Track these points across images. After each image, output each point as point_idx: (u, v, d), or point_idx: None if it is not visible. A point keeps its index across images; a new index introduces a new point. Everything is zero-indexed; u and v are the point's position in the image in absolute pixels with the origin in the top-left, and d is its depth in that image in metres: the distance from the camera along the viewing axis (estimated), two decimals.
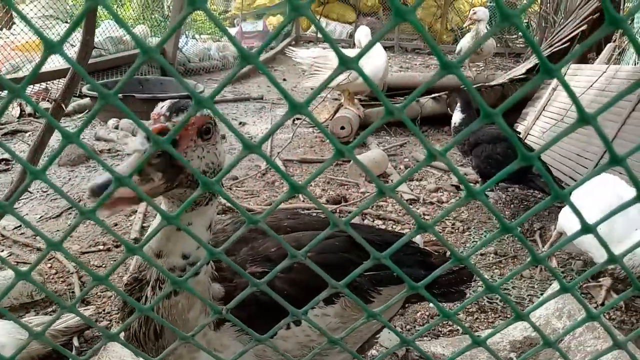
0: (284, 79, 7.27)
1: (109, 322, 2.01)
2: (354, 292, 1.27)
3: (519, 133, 4.23)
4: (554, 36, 5.06)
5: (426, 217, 3.07)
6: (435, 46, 0.42)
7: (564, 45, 4.60)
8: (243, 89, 6.72)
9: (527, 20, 9.19)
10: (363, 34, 4.61)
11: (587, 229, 0.49)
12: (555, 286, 2.09)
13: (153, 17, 7.84)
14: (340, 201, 3.20)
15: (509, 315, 2.11)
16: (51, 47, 0.43)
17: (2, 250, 2.50)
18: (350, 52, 4.72)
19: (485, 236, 2.88)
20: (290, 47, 5.75)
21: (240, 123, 5.00)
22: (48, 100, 4.98)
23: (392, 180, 3.62)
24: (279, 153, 4.01)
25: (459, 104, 3.26)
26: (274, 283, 1.18)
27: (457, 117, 3.28)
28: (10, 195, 0.78)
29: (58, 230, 2.76)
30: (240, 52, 0.42)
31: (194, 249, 1.02)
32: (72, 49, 5.80)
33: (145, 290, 1.10)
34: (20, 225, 2.81)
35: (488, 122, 0.44)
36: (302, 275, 1.21)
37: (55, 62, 5.40)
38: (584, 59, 4.65)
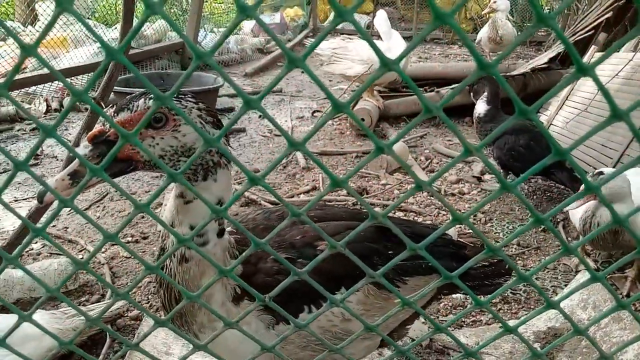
0: (302, 72, 7.27)
1: (139, 311, 2.07)
2: (379, 283, 1.30)
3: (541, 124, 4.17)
4: (577, 24, 4.96)
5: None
6: (473, 47, 0.44)
7: (587, 34, 4.51)
8: (261, 82, 6.75)
9: (549, 8, 9.00)
10: (382, 18, 4.53)
11: (618, 220, 0.50)
12: (580, 277, 2.08)
13: (172, 11, 7.91)
14: (361, 193, 3.22)
15: (532, 307, 2.11)
16: (110, 54, 0.46)
17: (36, 242, 2.60)
18: (368, 44, 4.70)
19: (507, 227, 2.87)
20: (309, 39, 5.75)
21: (259, 116, 5.04)
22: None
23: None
24: None
25: (485, 94, 3.22)
26: (297, 269, 1.21)
27: (481, 107, 3.25)
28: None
29: (87, 223, 2.84)
30: (287, 56, 0.44)
31: (201, 221, 1.08)
32: (95, 45, 5.91)
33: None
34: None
35: (522, 119, 0.46)
36: (326, 264, 1.24)
37: (78, 58, 5.51)
38: (609, 47, 4.56)
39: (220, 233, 1.15)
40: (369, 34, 0.46)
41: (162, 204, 2.98)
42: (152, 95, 0.99)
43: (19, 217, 0.59)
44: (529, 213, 3.02)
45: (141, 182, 3.48)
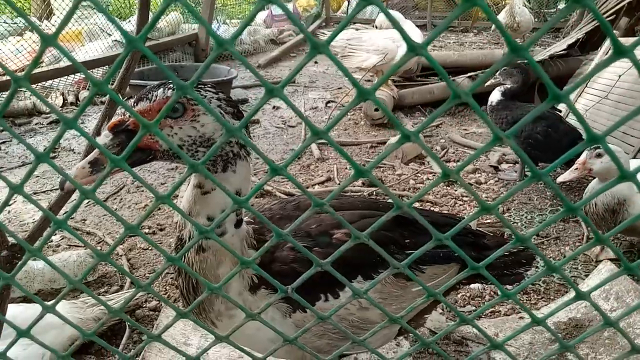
0: (316, 62, 7.24)
1: (157, 302, 2.09)
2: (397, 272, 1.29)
3: (560, 111, 4.10)
4: (598, 8, 4.84)
5: (464, 198, 3.04)
6: (504, 29, 0.43)
7: (609, 19, 4.40)
8: (275, 73, 6.74)
9: None
10: (393, 12, 4.52)
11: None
12: (602, 267, 2.05)
13: (189, 3, 7.91)
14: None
15: (552, 297, 2.08)
16: (131, 42, 0.45)
17: (55, 234, 2.63)
18: (383, 33, 4.66)
19: (526, 217, 2.83)
20: (322, 30, 5.71)
21: (273, 107, 5.03)
22: (89, 89, 5.13)
23: (428, 162, 3.59)
24: None
25: (507, 85, 3.15)
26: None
27: (495, 97, 3.20)
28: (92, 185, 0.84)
29: (105, 215, 2.87)
30: (310, 41, 0.43)
31: (218, 212, 1.09)
32: (110, 38, 5.94)
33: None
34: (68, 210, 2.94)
35: (556, 103, 0.44)
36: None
37: (93, 52, 5.55)
38: (631, 32, 4.44)
39: (238, 224, 1.16)
40: (393, 17, 0.44)
41: (177, 195, 3.00)
42: (171, 85, 0.98)
43: (41, 208, 0.59)
44: (548, 203, 2.98)
45: (157, 174, 3.51)
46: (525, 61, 0.51)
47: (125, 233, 0.57)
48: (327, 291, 1.23)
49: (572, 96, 4.23)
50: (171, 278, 2.26)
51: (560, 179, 2.24)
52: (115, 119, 0.95)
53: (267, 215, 1.38)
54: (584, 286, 2.00)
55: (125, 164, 0.50)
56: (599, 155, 2.06)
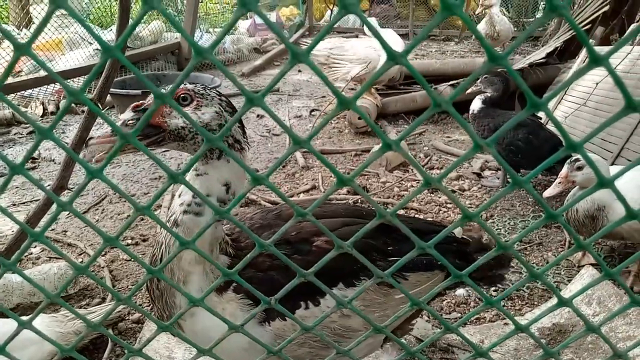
0: (299, 70, 7.26)
1: (140, 314, 2.06)
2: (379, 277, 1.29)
3: (540, 118, 4.17)
4: (574, 18, 4.95)
5: (448, 205, 3.06)
6: (483, 38, 0.43)
7: (585, 28, 4.50)
8: (258, 81, 6.73)
9: (544, 1, 9.01)
10: (372, 21, 4.57)
11: (632, 215, 0.49)
12: (584, 273, 2.07)
13: (167, 12, 7.87)
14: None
15: (535, 303, 2.10)
16: (107, 50, 0.44)
17: (35, 246, 2.58)
18: (364, 42, 4.69)
19: (509, 224, 2.86)
20: (305, 39, 5.73)
21: (258, 116, 5.02)
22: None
23: (412, 170, 3.61)
24: None
25: (487, 94, 3.20)
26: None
27: (476, 105, 3.24)
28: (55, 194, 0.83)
29: (86, 226, 2.82)
30: (291, 50, 0.43)
31: (205, 193, 1.15)
32: (91, 47, 5.88)
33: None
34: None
35: (535, 111, 0.45)
36: (318, 259, 1.22)
37: (74, 61, 5.48)
38: (606, 41, 4.55)
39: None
40: (374, 27, 0.45)
41: (161, 205, 2.97)
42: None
43: (17, 222, 0.58)
44: (531, 209, 3.02)
45: (140, 184, 3.46)
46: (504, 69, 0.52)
47: (104, 245, 0.56)
48: (307, 299, 1.22)
49: (552, 104, 4.31)
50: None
51: (545, 194, 2.28)
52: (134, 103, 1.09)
53: (247, 225, 1.37)
54: (567, 291, 2.02)
55: (135, 140, 0.48)
56: (579, 168, 2.12)
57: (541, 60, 4.63)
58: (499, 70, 3.42)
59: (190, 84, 1.13)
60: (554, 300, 2.03)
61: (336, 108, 0.45)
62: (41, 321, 1.71)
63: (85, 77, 5.21)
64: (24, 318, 0.61)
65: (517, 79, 0.46)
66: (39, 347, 1.66)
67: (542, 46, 5.88)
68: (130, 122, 1.07)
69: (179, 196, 1.18)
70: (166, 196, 3.02)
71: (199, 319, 1.17)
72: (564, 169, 2.16)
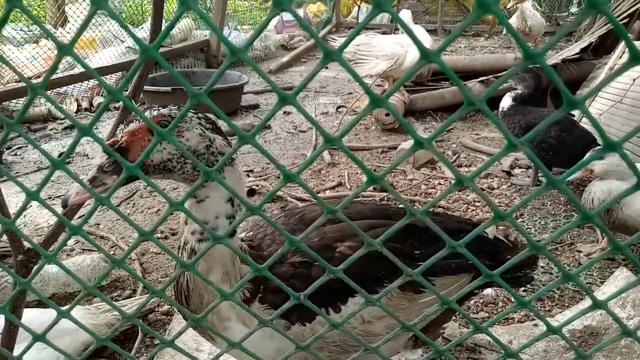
0: (327, 67, 7.26)
1: (170, 306, 2.10)
2: (404, 284, 1.27)
3: (573, 116, 4.06)
4: (612, 11, 4.80)
5: (476, 203, 3.01)
6: (519, 37, 0.42)
7: (622, 22, 4.35)
8: (285, 78, 6.76)
9: None
10: (406, 18, 4.54)
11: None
12: (617, 274, 2.02)
13: (203, 13, 7.98)
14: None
15: (566, 304, 2.05)
16: (146, 51, 0.46)
17: (70, 238, 2.66)
18: (391, 38, 4.66)
19: (539, 223, 2.80)
20: (332, 36, 5.72)
21: (284, 112, 5.05)
22: (102, 95, 5.20)
23: (440, 167, 3.57)
24: None
25: (517, 90, 3.13)
26: (313, 273, 1.22)
27: (506, 102, 3.17)
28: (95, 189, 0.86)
29: (118, 219, 2.90)
30: (323, 49, 0.43)
31: (213, 218, 1.13)
32: (123, 44, 6.01)
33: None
34: (83, 215, 2.97)
35: (571, 110, 0.44)
36: (340, 264, 1.22)
37: (107, 58, 5.62)
38: None
39: (232, 234, 1.17)
40: (407, 25, 0.44)
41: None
42: (156, 108, 1.06)
43: (57, 215, 0.60)
44: (562, 208, 2.95)
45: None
46: (539, 66, 0.51)
47: (139, 239, 0.57)
48: (329, 305, 1.22)
49: (586, 101, 4.19)
50: None
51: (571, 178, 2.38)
52: (109, 140, 1.03)
53: (269, 231, 1.36)
54: (600, 293, 1.97)
55: (109, 203, 0.50)
56: (599, 158, 2.14)
57: (575, 56, 4.50)
58: (530, 66, 3.34)
59: (163, 108, 1.07)
60: (585, 302, 1.98)
61: (368, 106, 0.45)
62: (75, 313, 1.76)
63: (118, 74, 5.34)
64: (63, 308, 0.63)
65: (553, 76, 0.45)
66: (73, 337, 1.71)
67: (576, 41, 5.72)
68: (107, 166, 1.01)
69: (186, 222, 1.17)
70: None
71: (232, 333, 1.19)
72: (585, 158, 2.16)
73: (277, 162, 0.52)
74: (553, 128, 2.94)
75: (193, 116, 1.09)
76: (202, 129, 1.09)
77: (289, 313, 1.17)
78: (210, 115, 1.13)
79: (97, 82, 5.38)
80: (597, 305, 0.58)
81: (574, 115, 4.04)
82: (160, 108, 1.06)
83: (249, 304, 1.20)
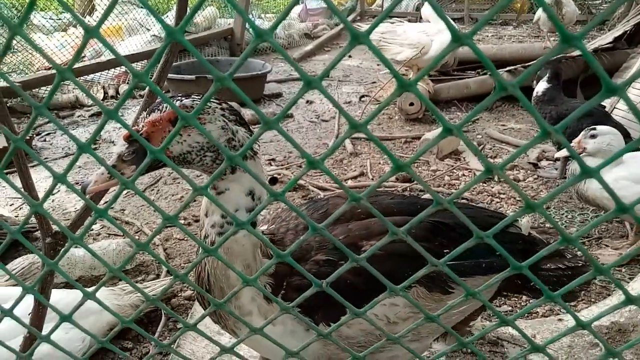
0: (350, 56, 7.20)
1: (192, 291, 2.14)
2: (430, 282, 1.24)
3: (604, 107, 3.94)
4: None
5: (501, 195, 2.96)
6: (556, 18, 0.40)
7: None
8: (309, 67, 6.74)
9: None
10: (432, 5, 4.45)
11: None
12: None
13: None
14: (410, 179, 3.16)
15: (593, 300, 2.01)
16: (171, 34, 0.45)
17: (96, 223, 2.72)
18: (417, 27, 4.58)
19: (566, 216, 2.74)
20: (356, 24, 5.66)
21: (307, 101, 5.04)
22: (128, 83, 5.27)
23: (464, 158, 3.52)
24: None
25: (547, 75, 3.04)
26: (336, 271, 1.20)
27: (541, 87, 3.07)
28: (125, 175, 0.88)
29: (143, 205, 2.95)
30: (351, 31, 0.42)
31: (233, 210, 1.12)
32: (148, 33, 6.07)
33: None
34: (108, 200, 3.03)
35: (610, 97, 0.42)
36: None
37: (133, 46, 5.69)
38: None
39: (252, 225, 1.16)
40: (440, 8, 0.43)
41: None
42: (179, 98, 1.04)
43: (83, 198, 0.61)
44: None
45: None
46: (559, 57, 0.49)
47: (163, 223, 0.58)
48: (353, 304, 1.21)
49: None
50: None
51: (557, 154, 2.67)
52: (125, 132, 1.02)
53: (291, 225, 1.35)
54: (629, 289, 1.92)
55: (134, 186, 0.50)
56: (592, 137, 2.32)
57: (608, 45, 4.35)
58: (553, 59, 3.25)
59: (186, 99, 1.05)
60: (613, 298, 1.93)
61: (396, 91, 0.44)
62: (100, 293, 1.80)
63: (143, 62, 5.40)
64: (89, 290, 0.64)
65: (592, 62, 0.43)
66: (97, 317, 1.76)
67: (609, 30, 5.52)
68: (127, 155, 1.01)
69: (206, 215, 1.16)
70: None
71: (255, 326, 1.20)
72: (580, 135, 2.36)
73: (301, 148, 0.51)
74: (585, 121, 2.85)
75: (217, 107, 1.07)
76: (224, 121, 1.06)
77: (313, 312, 1.17)
78: (235, 105, 1.11)
79: (123, 70, 5.47)
80: (630, 300, 0.56)
81: (604, 107, 3.92)
82: (183, 98, 1.05)
83: (271, 301, 1.19)
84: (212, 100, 1.07)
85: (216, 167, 1.09)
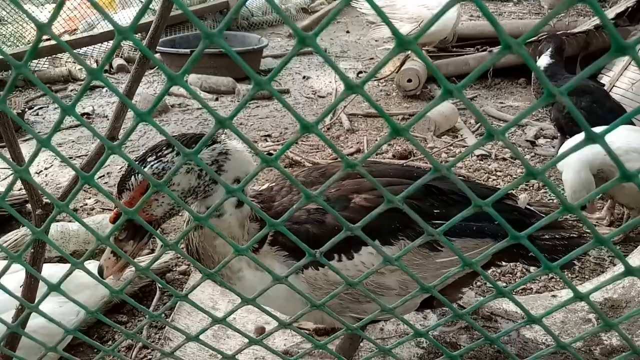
0: (347, 31, 7.09)
1: (187, 266, 2.13)
2: (416, 239, 1.24)
3: (603, 85, 3.90)
4: None
5: (498, 173, 2.95)
6: None
7: None
8: None
9: None
10: None
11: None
12: None
13: None
14: (407, 156, 3.14)
15: (587, 277, 2.02)
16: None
17: (90, 198, 2.70)
18: (417, 0, 4.49)
19: (564, 191, 2.74)
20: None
21: (304, 77, 4.97)
22: (121, 56, 5.18)
23: (461, 135, 3.49)
24: (344, 107, 3.97)
25: (550, 49, 2.98)
26: (327, 219, 1.21)
27: (543, 61, 2.99)
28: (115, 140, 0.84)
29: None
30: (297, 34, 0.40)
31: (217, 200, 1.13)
32: (142, 5, 5.94)
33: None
34: (103, 175, 3.00)
35: (620, 56, 0.40)
36: (356, 215, 1.19)
37: (126, 19, 5.57)
38: None
39: (240, 203, 1.17)
40: None
41: None
42: (143, 161, 1.07)
43: (70, 164, 0.59)
44: None
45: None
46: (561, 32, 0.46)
47: (152, 190, 0.56)
48: (341, 252, 1.22)
49: (617, 70, 4.02)
50: None
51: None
52: (113, 213, 1.07)
53: (288, 183, 1.37)
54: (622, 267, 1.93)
55: (128, 257, 0.48)
56: None
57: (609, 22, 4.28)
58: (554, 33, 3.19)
59: (144, 162, 1.07)
60: (607, 275, 1.94)
61: (395, 48, 0.42)
62: (93, 267, 1.79)
63: (137, 35, 5.29)
64: (78, 260, 0.63)
65: (600, 13, 0.41)
66: (92, 291, 1.75)
67: (611, 6, 5.45)
68: (120, 235, 1.08)
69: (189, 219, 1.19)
70: None
71: (246, 282, 1.21)
72: None
73: (295, 111, 0.49)
74: (584, 98, 2.82)
75: (172, 157, 1.07)
76: (185, 165, 1.07)
77: (300, 256, 1.17)
78: (190, 134, 1.13)
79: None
80: (630, 272, 0.55)
81: (604, 85, 3.89)
82: (154, 163, 1.06)
83: (259, 247, 1.21)
84: (166, 153, 1.07)
85: (205, 188, 1.11)
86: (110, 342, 1.78)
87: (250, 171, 1.12)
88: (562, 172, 2.20)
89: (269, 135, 3.58)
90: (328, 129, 3.66)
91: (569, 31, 4.50)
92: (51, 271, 1.65)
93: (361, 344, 1.58)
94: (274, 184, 1.40)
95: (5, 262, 1.92)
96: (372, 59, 5.72)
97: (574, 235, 1.45)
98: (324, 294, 1.23)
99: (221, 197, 1.10)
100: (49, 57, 4.86)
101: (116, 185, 1.11)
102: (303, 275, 1.21)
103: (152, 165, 1.05)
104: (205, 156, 1.09)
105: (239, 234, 1.20)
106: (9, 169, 2.98)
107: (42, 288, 1.31)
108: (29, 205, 2.40)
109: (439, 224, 1.28)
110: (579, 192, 2.08)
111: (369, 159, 1.57)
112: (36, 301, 0.68)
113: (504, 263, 2.04)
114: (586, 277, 2.03)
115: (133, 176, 1.07)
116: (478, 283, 2.00)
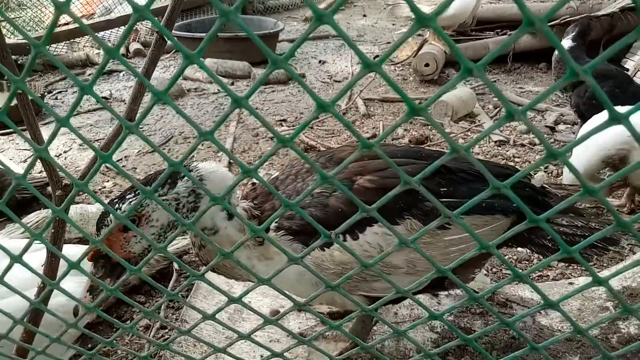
0: (364, 15, 7.01)
1: None
2: (424, 216, 1.23)
3: (627, 70, 3.80)
4: None
5: (516, 159, 2.91)
6: None
7: None
8: (323, 26, 6.57)
9: None
10: None
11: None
12: None
13: None
14: (424, 141, 3.11)
15: (605, 265, 1.99)
16: None
17: (108, 181, 2.74)
18: None
19: None
20: None
21: (320, 62, 4.94)
22: (138, 41, 5.20)
23: (479, 121, 3.45)
24: (360, 92, 3.94)
25: (574, 32, 2.90)
26: (330, 202, 1.22)
27: (565, 44, 2.93)
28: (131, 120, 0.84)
29: (154, 164, 2.95)
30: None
31: (210, 221, 1.17)
32: None
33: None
34: (120, 158, 3.04)
35: None
36: (359, 196, 1.17)
37: (141, 3, 5.58)
38: None
39: (230, 216, 1.19)
40: None
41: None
42: (117, 206, 1.08)
43: (88, 144, 0.59)
44: None
45: (203, 126, 3.55)
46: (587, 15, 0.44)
47: (169, 170, 0.56)
48: (346, 233, 1.21)
49: (637, 57, 3.91)
50: None
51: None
52: (91, 252, 1.05)
53: (297, 168, 1.39)
54: None
55: (119, 292, 0.48)
56: None
57: (633, 5, 4.16)
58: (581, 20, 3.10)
59: (123, 200, 1.08)
60: (626, 262, 1.91)
61: (414, 25, 0.41)
62: None
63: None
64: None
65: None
66: None
67: None
68: (98, 272, 1.08)
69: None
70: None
71: (257, 271, 1.23)
72: None
73: (310, 89, 0.48)
74: (606, 83, 2.75)
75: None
76: (162, 198, 1.08)
77: (306, 239, 1.19)
78: (161, 170, 1.16)
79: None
80: None
81: (627, 70, 3.79)
82: (123, 202, 1.08)
83: (263, 240, 1.22)
84: (129, 198, 1.09)
85: (190, 209, 1.12)
86: (128, 321, 1.82)
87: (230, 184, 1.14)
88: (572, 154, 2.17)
89: (284, 120, 3.58)
90: (344, 114, 3.64)
91: (592, 14, 4.38)
92: (72, 252, 1.69)
93: (375, 328, 1.59)
94: (278, 172, 1.41)
95: (26, 241, 1.97)
96: (389, 43, 5.65)
97: (594, 225, 1.42)
98: (330, 274, 1.23)
99: (209, 222, 1.16)
100: (67, 42, 4.90)
101: (95, 224, 1.14)
102: (310, 257, 1.21)
103: (131, 203, 1.08)
104: (181, 189, 1.11)
105: (240, 235, 1.21)
106: (29, 150, 3.04)
107: (62, 268, 1.34)
108: (49, 188, 2.45)
109: (445, 203, 1.27)
110: (585, 177, 2.05)
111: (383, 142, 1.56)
112: (57, 278, 0.70)
113: (519, 249, 2.02)
114: (605, 265, 2.00)
115: (109, 215, 1.09)
116: (494, 269, 1.98)
